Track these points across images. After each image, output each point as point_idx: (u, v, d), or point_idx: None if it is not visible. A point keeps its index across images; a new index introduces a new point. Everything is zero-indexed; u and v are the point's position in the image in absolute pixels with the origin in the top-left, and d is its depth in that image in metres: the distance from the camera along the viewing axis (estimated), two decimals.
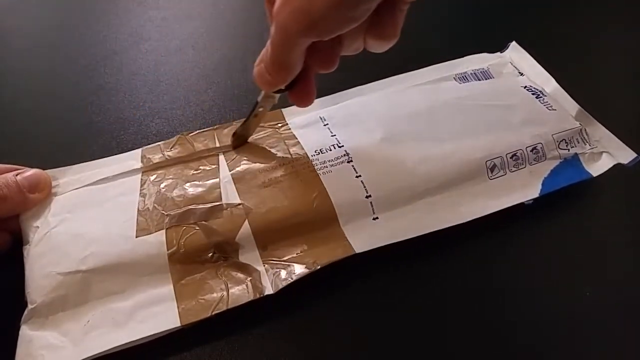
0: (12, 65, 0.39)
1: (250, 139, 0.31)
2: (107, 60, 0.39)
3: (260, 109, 0.29)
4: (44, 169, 0.28)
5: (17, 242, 0.27)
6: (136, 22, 0.42)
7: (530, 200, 0.28)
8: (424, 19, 0.42)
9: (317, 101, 0.33)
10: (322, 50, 0.23)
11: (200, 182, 0.28)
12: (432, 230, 0.26)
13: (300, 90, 0.26)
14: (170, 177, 0.29)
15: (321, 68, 0.25)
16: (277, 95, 0.27)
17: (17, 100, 0.37)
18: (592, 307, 0.26)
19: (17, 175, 0.27)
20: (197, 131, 0.32)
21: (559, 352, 0.24)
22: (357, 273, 0.26)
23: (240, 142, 0.31)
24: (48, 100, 0.36)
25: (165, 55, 0.39)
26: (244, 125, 0.30)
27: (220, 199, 0.27)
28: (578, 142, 0.30)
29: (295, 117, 0.32)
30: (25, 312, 0.24)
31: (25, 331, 0.23)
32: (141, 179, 0.29)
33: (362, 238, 0.26)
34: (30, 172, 0.27)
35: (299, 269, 0.25)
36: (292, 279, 0.25)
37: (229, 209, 0.27)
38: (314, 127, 0.31)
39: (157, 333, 0.24)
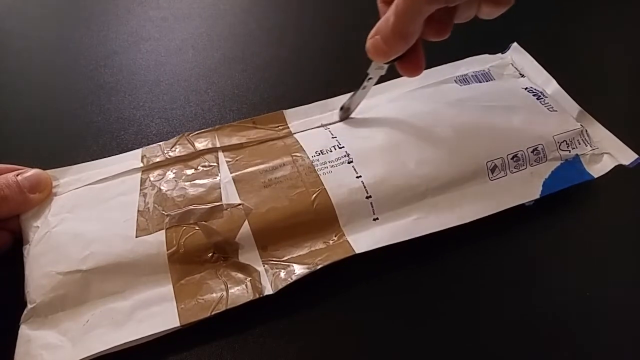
0: (12, 65, 0.40)
1: (249, 140, 0.31)
2: (107, 60, 0.39)
3: (370, 80, 0.30)
4: (44, 169, 0.28)
5: (17, 241, 0.27)
6: (136, 22, 0.42)
7: (531, 201, 0.28)
8: None
9: (319, 104, 0.34)
10: (437, 19, 0.24)
11: (201, 182, 0.29)
12: (432, 232, 0.27)
13: (411, 60, 0.27)
14: (171, 176, 0.29)
15: (435, 36, 0.26)
16: (387, 67, 0.29)
17: (17, 100, 0.37)
18: (593, 307, 0.26)
19: (17, 175, 0.27)
20: (198, 131, 0.32)
21: (558, 353, 0.24)
22: (357, 273, 0.27)
23: (346, 115, 0.32)
24: (48, 100, 0.37)
25: (165, 55, 0.40)
26: (352, 97, 0.31)
27: (221, 199, 0.27)
28: (579, 143, 0.30)
29: (296, 120, 0.33)
30: (25, 311, 0.24)
31: (24, 330, 0.24)
32: (141, 179, 0.29)
33: (363, 238, 0.26)
34: (30, 172, 0.28)
35: (299, 270, 0.25)
36: (291, 279, 0.25)
37: (229, 209, 0.27)
38: (315, 130, 0.32)
39: (157, 333, 0.24)
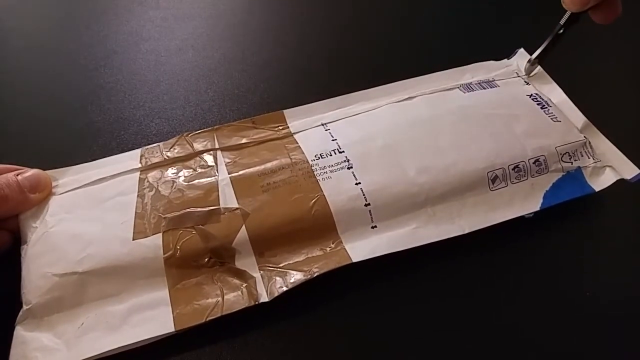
0: (12, 66, 0.40)
1: (248, 141, 0.32)
2: (107, 60, 0.40)
3: (562, 32, 0.32)
4: (44, 169, 0.29)
5: (17, 241, 0.28)
6: (136, 22, 0.43)
7: (531, 213, 0.29)
8: (430, 24, 0.43)
9: (319, 104, 0.34)
10: None
11: (199, 184, 0.29)
12: (430, 242, 0.27)
13: (607, 6, 0.28)
14: (169, 177, 0.29)
15: None
16: (582, 18, 0.30)
17: (17, 101, 0.37)
18: (592, 310, 0.26)
19: (17, 175, 0.28)
20: (197, 132, 0.33)
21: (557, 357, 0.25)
22: (357, 277, 0.27)
23: (532, 69, 0.35)
24: (48, 100, 0.37)
25: (165, 55, 0.40)
26: (543, 49, 0.33)
27: (218, 203, 0.28)
28: (582, 155, 0.30)
29: (296, 120, 0.33)
30: (20, 312, 0.25)
31: (19, 332, 0.24)
32: (139, 179, 0.30)
33: (360, 247, 0.27)
34: (30, 172, 0.28)
35: (295, 277, 0.26)
36: (287, 287, 0.25)
37: (226, 213, 0.27)
38: (314, 130, 0.32)
39: (151, 338, 0.24)
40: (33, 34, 0.43)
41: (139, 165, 0.30)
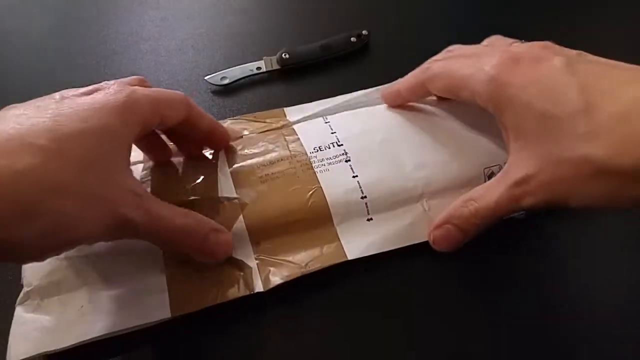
0: (12, 66, 0.41)
1: (248, 132, 0.33)
2: (107, 60, 0.41)
3: None
4: None
5: None
6: (136, 22, 0.44)
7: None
8: (428, 19, 0.44)
9: (319, 102, 0.35)
10: None
11: (198, 172, 0.30)
12: (425, 240, 0.28)
13: None
14: (169, 166, 0.30)
15: None
16: None
17: (17, 100, 0.38)
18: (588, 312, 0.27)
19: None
20: None
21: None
22: (356, 273, 0.28)
23: None
24: None
25: (165, 55, 0.41)
26: None
27: (217, 191, 0.29)
28: None
29: (297, 114, 0.34)
30: (21, 294, 0.26)
31: (19, 313, 0.25)
32: (142, 166, 0.30)
33: (355, 241, 0.28)
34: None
35: (290, 270, 0.27)
36: (282, 280, 0.26)
37: (225, 202, 0.28)
38: (314, 122, 0.33)
39: (148, 323, 0.25)
40: (33, 34, 0.44)
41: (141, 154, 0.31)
